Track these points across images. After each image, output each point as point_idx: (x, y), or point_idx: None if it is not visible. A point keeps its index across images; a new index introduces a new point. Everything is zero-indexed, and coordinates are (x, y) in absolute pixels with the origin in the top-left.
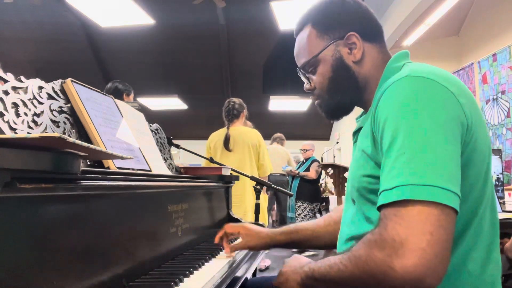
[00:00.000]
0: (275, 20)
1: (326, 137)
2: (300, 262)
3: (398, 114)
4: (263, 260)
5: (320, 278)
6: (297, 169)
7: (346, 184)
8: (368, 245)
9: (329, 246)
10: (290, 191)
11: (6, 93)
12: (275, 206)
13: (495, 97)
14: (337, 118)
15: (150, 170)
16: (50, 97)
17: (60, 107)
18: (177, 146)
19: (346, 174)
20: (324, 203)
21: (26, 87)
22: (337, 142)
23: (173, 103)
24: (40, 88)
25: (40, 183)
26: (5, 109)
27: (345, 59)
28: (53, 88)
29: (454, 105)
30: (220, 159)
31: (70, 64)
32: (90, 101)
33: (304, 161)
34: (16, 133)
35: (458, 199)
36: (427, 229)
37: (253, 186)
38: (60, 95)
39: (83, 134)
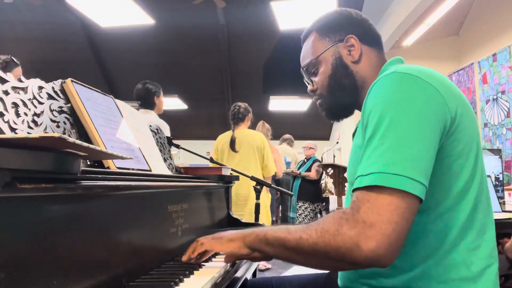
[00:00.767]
0: (275, 20)
1: (326, 137)
2: (242, 229)
3: (381, 107)
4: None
5: (274, 242)
6: (298, 169)
7: (347, 185)
8: (339, 222)
9: None
10: (291, 191)
11: (6, 93)
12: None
13: (495, 97)
14: (337, 118)
15: (150, 170)
16: (50, 97)
17: (60, 107)
18: (177, 146)
19: (346, 174)
20: (324, 203)
21: (26, 87)
22: (337, 142)
23: (173, 103)
24: (40, 88)
25: (40, 183)
26: (5, 109)
27: (344, 58)
28: (53, 88)
29: (436, 99)
30: (227, 160)
31: (70, 64)
32: (90, 101)
33: (305, 161)
34: (16, 133)
35: (425, 188)
36: (394, 219)
37: (253, 186)
38: (60, 95)
39: (83, 134)
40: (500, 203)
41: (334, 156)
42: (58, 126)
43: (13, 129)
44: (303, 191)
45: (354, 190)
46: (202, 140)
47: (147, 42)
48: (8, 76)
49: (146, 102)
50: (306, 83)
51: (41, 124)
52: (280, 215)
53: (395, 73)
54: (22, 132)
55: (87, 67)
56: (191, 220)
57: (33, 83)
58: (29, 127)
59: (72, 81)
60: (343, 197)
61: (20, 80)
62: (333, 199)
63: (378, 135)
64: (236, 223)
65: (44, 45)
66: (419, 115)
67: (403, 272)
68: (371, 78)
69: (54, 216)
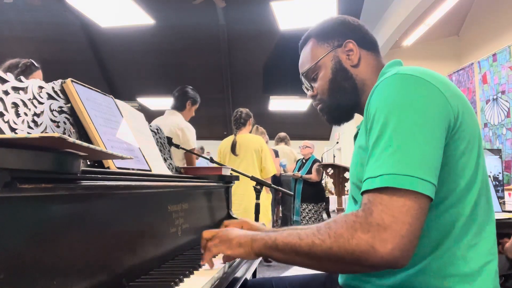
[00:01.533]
0: (275, 20)
1: (326, 137)
2: (248, 232)
3: (386, 109)
4: None
5: (285, 248)
6: (298, 170)
7: (347, 185)
8: (352, 226)
9: None
10: (294, 194)
11: (6, 93)
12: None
13: (495, 97)
14: (338, 122)
15: (150, 170)
16: (50, 97)
17: (60, 107)
18: (177, 146)
19: (346, 174)
20: (324, 203)
21: (26, 87)
22: (337, 142)
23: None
24: (40, 88)
25: (40, 183)
26: (5, 109)
27: (344, 63)
28: (53, 88)
29: (439, 99)
30: (229, 162)
31: (70, 64)
32: (90, 101)
33: (304, 161)
34: (16, 133)
35: (434, 188)
36: (407, 220)
37: (253, 186)
38: (60, 95)
39: (83, 134)
40: (500, 203)
41: (334, 156)
42: (58, 126)
43: (13, 129)
44: (306, 193)
45: (363, 193)
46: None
47: (147, 42)
48: (8, 76)
49: (178, 102)
50: (305, 89)
51: (41, 124)
52: (281, 215)
53: (397, 75)
54: (22, 132)
55: (87, 67)
56: (191, 220)
57: (33, 83)
58: (29, 127)
59: (72, 81)
60: (343, 197)
61: (20, 80)
62: (333, 199)
63: (385, 137)
64: None
65: (44, 45)
66: (424, 115)
67: (405, 269)
68: (370, 80)
69: (54, 216)
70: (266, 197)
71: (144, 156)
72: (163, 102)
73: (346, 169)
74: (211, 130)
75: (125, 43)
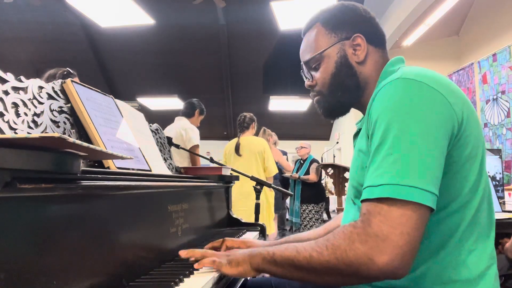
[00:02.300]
0: (275, 20)
1: (326, 137)
2: (249, 249)
3: (388, 115)
4: None
5: (283, 262)
6: (296, 171)
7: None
8: (350, 237)
9: None
10: (294, 196)
11: (6, 93)
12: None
13: (495, 97)
14: (333, 117)
15: (150, 170)
16: (50, 97)
17: (60, 107)
18: (177, 146)
19: (346, 174)
20: (324, 203)
21: (26, 87)
22: (337, 142)
23: (173, 103)
24: (40, 88)
25: (40, 183)
26: (5, 109)
27: (349, 58)
28: (53, 88)
29: (443, 106)
30: (233, 162)
31: (70, 64)
32: (90, 101)
33: (302, 162)
34: (16, 133)
35: (436, 198)
36: (406, 230)
37: (253, 186)
38: (60, 95)
39: (83, 134)
40: (500, 203)
41: (334, 156)
42: (58, 126)
43: (13, 129)
44: (305, 194)
45: (363, 201)
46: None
47: (147, 42)
48: (8, 76)
49: (188, 109)
50: (304, 77)
51: (41, 124)
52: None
53: (400, 80)
54: (22, 132)
55: (87, 67)
56: (191, 220)
57: (33, 83)
58: (29, 127)
59: (72, 81)
60: (343, 197)
61: (20, 80)
62: (333, 199)
63: (387, 145)
64: (236, 223)
65: (44, 45)
66: (427, 123)
67: None
68: (373, 78)
69: (54, 216)
70: (270, 194)
71: (144, 156)
72: (163, 102)
73: (346, 169)
74: (211, 130)
75: (125, 43)
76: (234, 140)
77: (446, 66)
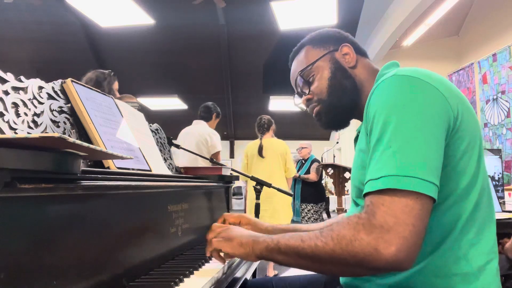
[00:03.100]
0: (275, 20)
1: (326, 137)
2: (251, 233)
3: (385, 110)
4: (271, 270)
5: (287, 250)
6: (297, 170)
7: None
8: (355, 227)
9: None
10: (294, 195)
11: (6, 93)
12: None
13: (495, 97)
14: (335, 126)
15: (150, 170)
16: (50, 97)
17: (60, 107)
18: (177, 146)
19: (346, 174)
20: (324, 203)
21: (26, 87)
22: (337, 142)
23: (173, 103)
24: (40, 88)
25: (40, 183)
26: (5, 109)
27: (342, 63)
28: (53, 88)
29: (438, 99)
30: (256, 164)
31: (70, 64)
32: (90, 101)
33: (304, 162)
34: (16, 133)
35: (437, 188)
36: (410, 221)
37: (253, 186)
38: (60, 95)
39: (83, 134)
40: (500, 203)
41: (334, 156)
42: (58, 126)
43: (13, 129)
44: (305, 193)
45: (365, 195)
46: None
47: (147, 42)
48: (8, 76)
49: (206, 113)
50: (298, 95)
51: (41, 124)
52: None
53: (395, 76)
54: (22, 132)
55: (87, 67)
56: (191, 220)
57: (33, 83)
58: (29, 127)
59: (72, 81)
60: (343, 197)
61: (20, 80)
62: (333, 199)
63: (385, 138)
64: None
65: (44, 45)
66: (424, 115)
67: None
68: (368, 82)
69: (54, 216)
70: (288, 198)
71: (144, 156)
72: (163, 102)
73: (346, 169)
74: None
75: (125, 43)
76: (256, 142)
77: (446, 66)
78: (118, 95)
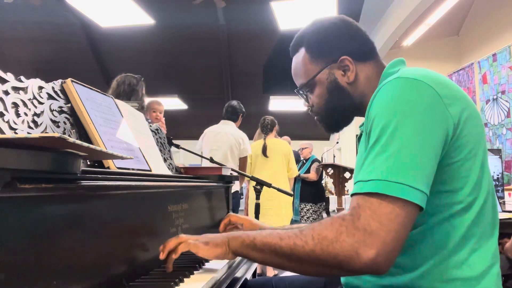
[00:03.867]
0: (275, 20)
1: (326, 137)
2: (230, 232)
3: (385, 114)
4: (270, 270)
5: (263, 247)
6: (298, 169)
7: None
8: (338, 229)
9: None
10: (293, 193)
11: (6, 93)
12: None
13: (495, 97)
14: (337, 131)
15: (150, 170)
16: (50, 97)
17: (60, 107)
18: (177, 146)
19: (346, 174)
20: (324, 203)
21: (26, 87)
22: (337, 142)
23: (173, 103)
24: (40, 88)
25: (40, 183)
26: (5, 109)
27: (340, 81)
28: (53, 88)
29: (439, 106)
30: (261, 164)
31: (70, 64)
32: (90, 101)
33: (304, 161)
34: (16, 133)
35: (426, 197)
36: (394, 228)
37: (253, 186)
38: (60, 95)
39: (83, 134)
40: (500, 203)
41: (334, 156)
42: (58, 126)
43: (13, 129)
44: (305, 193)
45: (353, 195)
46: None
47: (147, 42)
48: (8, 76)
49: (233, 114)
50: (302, 99)
51: (41, 124)
52: None
53: (399, 79)
54: (22, 132)
55: (87, 67)
56: (191, 220)
57: (33, 83)
58: (29, 127)
59: (72, 81)
60: (343, 197)
61: (20, 80)
62: (333, 199)
63: (381, 142)
64: None
65: (44, 45)
66: (422, 122)
67: (408, 271)
68: (369, 90)
69: (54, 216)
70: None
71: (144, 156)
72: (163, 102)
73: (346, 169)
74: None
75: (125, 43)
76: (259, 142)
77: (446, 66)
78: (145, 100)
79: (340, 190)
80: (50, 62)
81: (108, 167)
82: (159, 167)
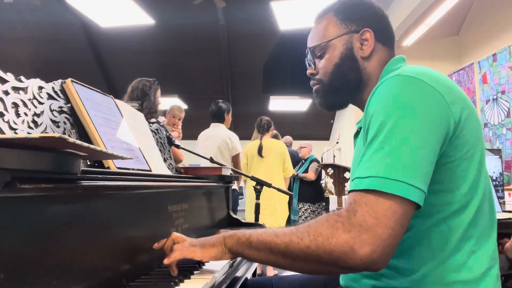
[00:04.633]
0: (275, 20)
1: (326, 137)
2: (225, 231)
3: (384, 111)
4: (270, 269)
5: (259, 245)
6: (296, 170)
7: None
8: (334, 225)
9: None
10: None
11: (6, 93)
12: None
13: (495, 97)
14: (331, 108)
15: (150, 170)
16: (50, 97)
17: (60, 107)
18: (177, 146)
19: (346, 174)
20: (324, 203)
21: (26, 87)
22: (337, 142)
23: (173, 103)
24: (40, 88)
25: (40, 183)
26: (5, 109)
27: (355, 51)
28: (53, 88)
29: (440, 104)
30: (256, 164)
31: (70, 64)
32: (90, 101)
33: (304, 161)
34: (16, 133)
35: (423, 194)
36: (390, 225)
37: (253, 186)
38: (60, 95)
39: (83, 134)
40: (500, 203)
41: (334, 156)
42: (58, 126)
43: (13, 129)
44: (303, 192)
45: (350, 191)
46: None
47: (147, 42)
48: (8, 76)
49: (218, 115)
50: (308, 64)
51: (41, 124)
52: None
53: (399, 76)
54: (22, 132)
55: (87, 67)
56: (191, 220)
57: (33, 83)
58: (29, 127)
59: (72, 81)
60: (343, 197)
61: (20, 80)
62: (333, 199)
63: (379, 139)
64: (236, 223)
65: (44, 45)
66: (422, 120)
67: (406, 275)
68: (375, 76)
69: (54, 216)
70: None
71: (144, 156)
72: (163, 102)
73: (346, 169)
74: None
75: (125, 43)
76: (255, 143)
77: (446, 66)
78: (160, 102)
79: (340, 190)
80: (50, 62)
81: (108, 167)
82: (159, 167)
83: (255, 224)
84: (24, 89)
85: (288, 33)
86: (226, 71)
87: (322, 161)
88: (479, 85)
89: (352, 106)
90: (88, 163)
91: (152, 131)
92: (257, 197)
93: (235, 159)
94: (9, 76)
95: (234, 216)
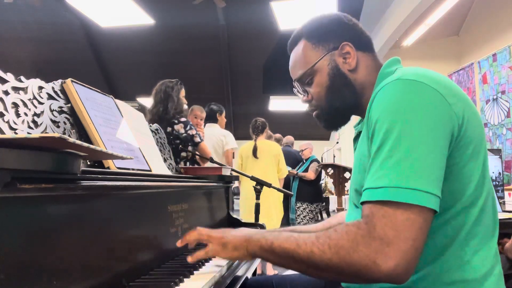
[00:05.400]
0: (275, 20)
1: (326, 137)
2: (243, 231)
3: (388, 117)
4: (270, 269)
5: (281, 253)
6: (297, 169)
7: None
8: (354, 238)
9: None
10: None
11: (6, 93)
12: None
13: (495, 97)
14: (336, 128)
15: (150, 170)
16: (50, 97)
17: (60, 107)
18: (178, 146)
19: (346, 174)
20: (324, 203)
21: (26, 87)
22: (337, 142)
23: None
24: (40, 88)
25: (40, 183)
26: (5, 109)
27: (341, 67)
28: (53, 88)
29: (444, 106)
30: (251, 164)
31: (70, 64)
32: (90, 101)
33: (304, 161)
34: (16, 133)
35: (439, 199)
36: (411, 236)
37: (253, 186)
38: (60, 95)
39: (83, 134)
40: (500, 203)
41: (334, 156)
42: (58, 126)
43: (13, 129)
44: (301, 192)
45: (364, 203)
46: None
47: (147, 42)
48: (8, 76)
49: (211, 117)
50: (299, 93)
51: (41, 124)
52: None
53: (400, 80)
54: (22, 132)
55: (87, 67)
56: (191, 220)
57: (33, 83)
58: (29, 127)
59: (72, 81)
60: (343, 197)
61: (20, 80)
62: (333, 199)
63: (387, 147)
64: (236, 223)
65: (44, 45)
66: (427, 124)
67: None
68: (369, 82)
69: (54, 216)
70: (278, 194)
71: (144, 156)
72: None
73: (346, 169)
74: None
75: (125, 43)
76: (250, 144)
77: (446, 66)
78: (185, 101)
79: (340, 190)
80: (50, 62)
81: (108, 167)
82: (159, 167)
83: (256, 224)
84: (24, 89)
85: (288, 33)
86: (226, 71)
87: (322, 161)
88: (479, 85)
89: None
90: (88, 163)
91: (152, 131)
92: (257, 197)
93: (227, 154)
94: (9, 76)
95: (234, 216)
